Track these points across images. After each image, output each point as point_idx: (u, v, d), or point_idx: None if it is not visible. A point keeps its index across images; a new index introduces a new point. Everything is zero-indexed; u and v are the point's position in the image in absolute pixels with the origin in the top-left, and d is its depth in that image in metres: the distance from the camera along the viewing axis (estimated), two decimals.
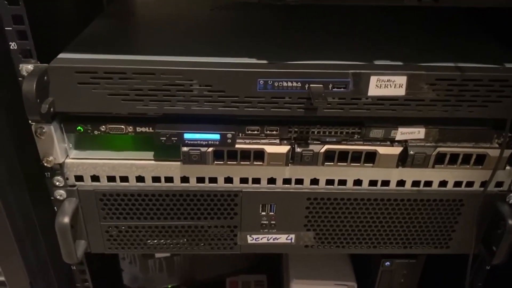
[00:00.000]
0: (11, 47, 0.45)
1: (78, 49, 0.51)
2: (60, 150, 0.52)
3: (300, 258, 0.82)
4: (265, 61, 0.49)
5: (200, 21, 0.62)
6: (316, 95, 0.47)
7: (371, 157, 0.54)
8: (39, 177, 0.58)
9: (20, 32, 0.45)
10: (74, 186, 0.55)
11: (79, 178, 0.55)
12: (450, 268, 0.76)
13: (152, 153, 0.55)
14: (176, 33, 0.59)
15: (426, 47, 0.55)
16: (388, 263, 0.73)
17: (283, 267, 0.88)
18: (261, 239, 0.60)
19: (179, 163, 0.54)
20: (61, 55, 0.49)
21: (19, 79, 0.47)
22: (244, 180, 0.56)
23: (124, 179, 0.55)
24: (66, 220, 0.53)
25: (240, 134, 0.53)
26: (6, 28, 0.44)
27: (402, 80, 0.48)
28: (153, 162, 0.54)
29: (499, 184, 0.57)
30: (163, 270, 0.91)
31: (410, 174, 0.56)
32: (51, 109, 0.47)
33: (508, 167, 0.55)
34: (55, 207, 0.56)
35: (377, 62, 0.50)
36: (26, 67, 0.46)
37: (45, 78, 0.46)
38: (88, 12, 0.62)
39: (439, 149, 0.53)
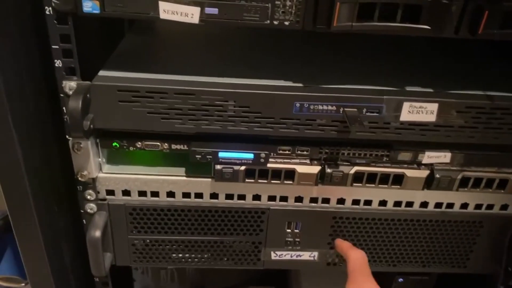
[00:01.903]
0: (56, 65, 0.46)
1: (116, 66, 0.52)
2: (95, 165, 0.53)
3: (312, 271, 0.83)
4: (300, 84, 0.51)
5: (233, 42, 0.63)
6: (352, 119, 0.48)
7: (398, 179, 0.55)
8: (65, 189, 0.59)
9: (66, 50, 0.46)
10: (105, 200, 0.56)
11: (110, 192, 0.55)
12: (459, 285, 0.77)
13: (183, 169, 0.56)
14: (209, 53, 0.60)
15: (455, 75, 0.57)
16: (401, 279, 0.74)
17: (292, 280, 0.89)
18: (285, 255, 0.61)
19: (210, 179, 0.55)
20: (101, 73, 0.50)
21: (61, 95, 0.48)
22: (271, 198, 0.57)
23: (155, 194, 0.56)
24: (98, 234, 0.53)
25: (272, 154, 0.54)
26: (53, 47, 0.45)
27: (433, 107, 0.50)
28: (184, 178, 0.55)
29: None
30: (175, 280, 0.91)
31: (433, 196, 0.57)
32: (91, 125, 0.48)
33: None
34: (84, 220, 0.57)
35: (408, 88, 0.52)
36: (69, 84, 0.47)
37: (88, 95, 0.47)
38: (111, 33, 0.62)
39: (464, 173, 0.55)
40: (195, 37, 0.64)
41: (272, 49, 0.61)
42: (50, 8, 0.43)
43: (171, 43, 0.63)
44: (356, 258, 0.53)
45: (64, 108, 0.48)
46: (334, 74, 0.53)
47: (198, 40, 0.63)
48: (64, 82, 0.47)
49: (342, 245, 0.57)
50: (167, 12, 0.43)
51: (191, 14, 0.43)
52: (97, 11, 0.43)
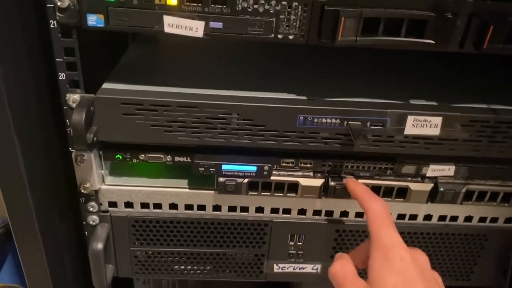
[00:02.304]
0: (59, 78, 0.46)
1: (120, 79, 0.52)
2: (97, 177, 0.52)
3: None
4: (304, 97, 0.50)
5: (236, 54, 0.63)
6: (356, 132, 0.48)
7: (402, 192, 0.55)
8: (67, 200, 0.59)
9: (70, 63, 0.46)
10: (107, 212, 0.55)
11: (112, 204, 0.55)
12: None
13: (186, 181, 0.55)
14: (213, 65, 0.60)
15: (460, 88, 0.56)
16: None
17: None
18: (287, 268, 0.61)
19: (212, 192, 0.55)
20: (105, 85, 0.50)
21: (65, 108, 0.48)
22: (274, 210, 0.57)
23: (157, 206, 0.56)
24: (100, 246, 0.53)
25: (275, 166, 0.54)
26: (57, 59, 0.45)
27: (437, 120, 0.50)
28: (187, 190, 0.55)
29: None
30: None
31: (437, 209, 0.57)
32: (95, 138, 0.48)
33: None
34: (86, 232, 0.57)
35: (413, 102, 0.51)
36: (73, 97, 0.47)
37: (91, 108, 0.47)
38: (115, 44, 0.62)
39: (468, 186, 0.55)
40: (199, 49, 0.64)
41: (276, 61, 0.61)
42: (55, 22, 0.43)
43: (175, 55, 0.63)
44: (376, 211, 0.45)
45: (67, 120, 0.48)
46: (338, 87, 0.53)
47: (202, 51, 0.63)
48: (68, 95, 0.47)
49: (357, 190, 0.48)
50: (172, 26, 0.43)
51: (196, 28, 0.43)
52: (101, 25, 0.43)
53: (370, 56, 0.63)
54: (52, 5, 0.42)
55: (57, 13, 0.42)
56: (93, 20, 0.43)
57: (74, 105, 0.47)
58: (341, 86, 0.54)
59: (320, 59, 0.62)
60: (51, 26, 0.43)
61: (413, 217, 0.58)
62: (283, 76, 0.56)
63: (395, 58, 0.63)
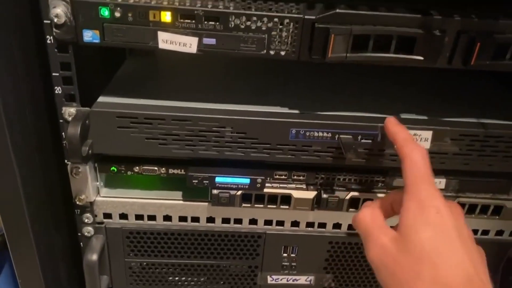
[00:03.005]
0: (56, 92, 0.47)
1: (115, 92, 0.52)
2: (93, 189, 0.53)
3: None
4: (297, 111, 0.51)
5: (231, 68, 0.64)
6: (347, 146, 0.49)
7: None
8: (63, 211, 0.60)
9: (66, 78, 0.46)
10: (102, 223, 0.56)
11: (107, 215, 0.56)
12: None
13: (180, 193, 0.56)
14: (207, 78, 0.61)
15: (449, 102, 0.57)
16: None
17: None
18: (281, 279, 0.61)
19: (206, 204, 0.55)
20: (100, 99, 0.51)
21: (60, 121, 0.49)
22: (268, 222, 0.57)
23: (152, 217, 0.56)
24: (95, 257, 0.54)
25: (268, 178, 0.54)
26: (53, 74, 0.46)
27: (427, 134, 0.50)
28: (181, 202, 0.56)
29: None
30: None
31: None
32: (90, 151, 0.49)
33: None
34: (81, 243, 0.57)
35: (403, 116, 0.52)
36: (69, 111, 0.48)
37: (87, 121, 0.48)
38: (116, 53, 0.63)
39: (458, 199, 0.55)
40: (194, 62, 0.65)
41: (269, 76, 0.62)
42: (51, 37, 0.44)
43: (171, 68, 0.64)
44: (415, 161, 0.41)
45: (63, 133, 0.49)
46: (330, 101, 0.54)
47: (197, 65, 0.64)
48: (64, 108, 0.48)
49: (397, 135, 0.44)
50: (166, 42, 0.44)
51: (189, 44, 0.44)
52: (97, 41, 0.44)
53: (361, 71, 0.64)
54: (49, 21, 0.43)
55: (54, 29, 0.43)
56: (89, 36, 0.43)
57: (70, 119, 0.48)
58: (332, 100, 0.55)
59: (312, 74, 0.63)
60: (48, 41, 0.44)
61: None
62: (275, 90, 0.57)
63: (385, 72, 0.64)
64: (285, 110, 0.52)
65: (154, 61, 0.66)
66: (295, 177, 0.55)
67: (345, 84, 0.61)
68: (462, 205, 0.56)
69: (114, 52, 0.62)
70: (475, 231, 0.59)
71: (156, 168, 0.53)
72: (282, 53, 0.45)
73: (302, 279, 0.61)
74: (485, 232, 0.59)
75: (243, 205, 0.55)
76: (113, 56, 0.62)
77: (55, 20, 0.42)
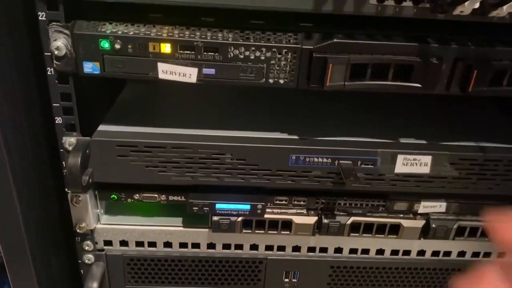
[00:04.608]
0: (56, 122, 0.47)
1: (115, 120, 0.53)
2: (93, 216, 0.53)
3: None
4: (296, 137, 0.51)
5: (231, 95, 0.64)
6: (347, 173, 0.49)
7: (395, 229, 0.55)
8: (63, 238, 0.60)
9: (66, 108, 0.47)
10: (103, 250, 0.56)
11: (108, 242, 0.56)
12: None
13: (181, 219, 0.56)
14: (207, 105, 0.61)
15: (448, 126, 0.57)
16: None
17: None
18: None
19: (207, 230, 0.55)
20: (101, 127, 0.51)
21: (61, 150, 0.49)
22: (269, 247, 0.57)
23: (152, 244, 0.56)
24: (95, 285, 0.53)
25: (269, 204, 0.54)
26: (54, 104, 0.46)
27: (427, 159, 0.51)
28: (181, 228, 0.55)
29: None
30: None
31: (430, 245, 0.57)
32: (90, 180, 0.49)
33: None
34: (82, 270, 0.57)
35: (402, 140, 0.52)
36: (69, 140, 0.48)
37: (87, 151, 0.48)
38: (114, 83, 0.64)
39: (459, 222, 0.55)
40: (194, 89, 0.65)
41: (269, 102, 0.62)
42: (52, 69, 0.44)
43: (170, 95, 0.64)
44: None
45: (64, 163, 0.49)
46: (329, 126, 0.54)
47: (197, 91, 0.64)
48: (64, 138, 0.48)
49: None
50: (166, 72, 0.44)
51: (189, 75, 0.44)
52: (97, 72, 0.44)
53: (360, 96, 0.64)
54: (50, 54, 0.43)
55: (54, 61, 0.44)
56: (89, 67, 0.44)
57: (70, 148, 0.48)
58: (332, 125, 0.55)
59: (311, 100, 0.63)
60: (48, 73, 0.45)
61: (407, 252, 0.58)
62: (275, 116, 0.57)
63: (384, 98, 0.64)
64: (285, 136, 0.52)
65: (154, 87, 0.66)
66: (295, 202, 0.55)
67: (344, 110, 0.61)
68: (463, 228, 0.56)
69: (114, 80, 0.63)
70: (476, 254, 0.59)
71: (156, 195, 0.53)
72: (281, 81, 0.45)
73: None
74: (487, 254, 0.59)
75: (244, 231, 0.54)
76: (113, 84, 0.62)
77: (56, 52, 0.43)
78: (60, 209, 0.56)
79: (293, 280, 0.59)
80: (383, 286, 0.60)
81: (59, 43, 0.42)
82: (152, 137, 0.49)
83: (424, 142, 0.52)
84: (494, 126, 0.59)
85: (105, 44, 0.43)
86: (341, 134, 0.53)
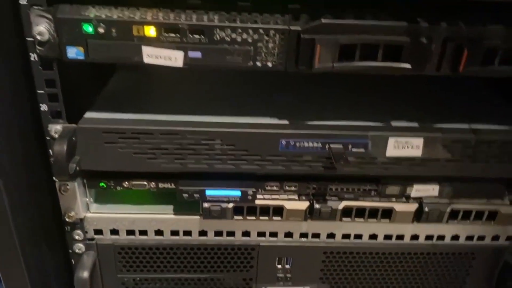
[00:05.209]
0: (41, 109, 0.46)
1: (102, 107, 0.52)
2: (82, 205, 0.52)
3: None
4: (286, 122, 0.51)
5: (220, 80, 0.64)
6: (337, 156, 0.48)
7: (387, 213, 0.55)
8: (55, 228, 0.59)
9: (51, 95, 0.46)
10: (93, 239, 0.55)
11: (98, 231, 0.55)
12: None
13: (172, 207, 0.55)
14: (196, 91, 0.60)
15: (440, 108, 0.57)
16: None
17: None
18: None
19: (198, 217, 0.55)
20: (87, 115, 0.50)
21: (47, 138, 0.48)
22: (261, 234, 0.57)
23: (143, 232, 0.56)
24: (86, 275, 0.53)
25: (260, 190, 0.54)
26: (38, 91, 0.45)
27: (419, 142, 0.50)
28: (172, 216, 0.55)
29: (509, 237, 0.58)
30: None
31: (424, 229, 0.57)
32: (77, 167, 0.48)
33: None
34: (73, 260, 0.56)
35: (394, 123, 0.52)
36: (55, 128, 0.47)
37: (73, 138, 0.47)
38: (104, 68, 0.63)
39: (453, 205, 0.55)
40: (183, 75, 0.64)
41: (257, 87, 0.61)
42: (35, 55, 0.43)
43: (159, 81, 0.63)
44: None
45: (50, 150, 0.48)
46: (319, 111, 0.54)
47: (186, 77, 0.64)
48: (50, 125, 0.47)
49: None
50: (151, 56, 0.43)
51: (175, 58, 0.43)
52: (81, 57, 0.43)
53: (350, 79, 0.63)
54: (32, 39, 0.43)
55: (37, 47, 0.43)
56: (73, 52, 0.43)
57: (56, 136, 0.47)
58: (322, 109, 0.54)
59: (301, 84, 0.62)
60: (32, 59, 0.44)
61: (400, 237, 0.58)
62: (264, 101, 0.56)
63: (375, 80, 0.63)
64: (275, 121, 0.51)
65: (143, 74, 0.65)
66: (286, 188, 0.54)
67: (334, 93, 0.60)
68: (456, 211, 0.55)
69: (102, 66, 0.62)
70: (470, 237, 0.58)
71: (145, 183, 0.52)
72: (269, 64, 0.44)
73: None
74: (481, 238, 0.58)
75: (235, 217, 0.54)
76: (102, 71, 0.61)
77: (38, 37, 0.42)
78: (51, 199, 0.56)
79: (286, 266, 0.58)
80: (377, 271, 0.59)
81: (42, 28, 0.42)
82: (140, 124, 0.49)
83: (415, 124, 0.52)
84: (487, 108, 0.59)
85: (89, 28, 0.42)
86: (332, 118, 0.52)
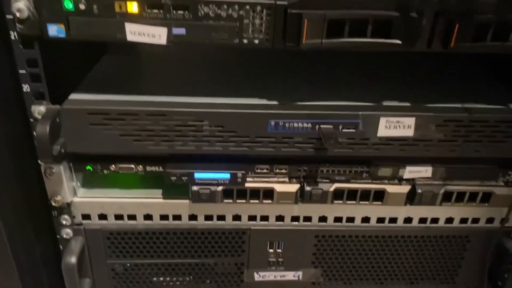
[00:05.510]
0: (24, 90, 0.45)
1: (88, 89, 0.51)
2: (68, 189, 0.52)
3: None
4: (275, 102, 0.50)
5: (208, 61, 0.63)
6: (327, 136, 0.47)
7: (379, 195, 0.54)
8: (44, 214, 0.58)
9: (33, 75, 0.45)
10: (81, 224, 0.54)
11: (86, 216, 0.54)
12: None
13: (161, 191, 0.55)
14: (184, 72, 0.59)
15: (433, 88, 0.56)
16: None
17: None
18: (268, 276, 0.60)
19: (187, 201, 0.54)
20: (72, 96, 0.49)
21: (31, 120, 0.47)
22: (252, 217, 0.56)
23: (132, 217, 0.55)
24: (73, 260, 0.52)
25: (250, 173, 0.53)
26: (20, 71, 0.44)
27: (410, 121, 0.49)
28: (161, 200, 0.54)
29: (504, 219, 0.58)
30: None
31: (417, 211, 0.56)
32: (62, 150, 0.47)
33: None
34: (61, 246, 0.56)
35: (385, 103, 0.51)
36: (39, 109, 0.46)
37: (57, 119, 0.46)
38: (93, 50, 0.62)
39: (446, 187, 0.54)
40: (173, 56, 0.63)
41: (247, 67, 0.60)
42: (15, 33, 0.42)
43: (148, 63, 0.62)
44: None
45: (34, 133, 0.47)
46: (310, 91, 0.53)
47: (176, 59, 0.63)
48: (33, 107, 0.46)
49: None
50: (134, 33, 0.42)
51: (158, 35, 0.42)
52: (63, 35, 0.42)
53: (340, 59, 0.63)
54: (12, 17, 0.41)
55: (17, 24, 0.42)
56: (54, 30, 0.42)
57: (39, 117, 0.46)
58: (312, 90, 0.53)
59: (290, 63, 0.61)
60: (12, 37, 0.43)
61: (393, 220, 0.57)
62: (253, 81, 0.56)
63: (365, 59, 0.62)
64: (263, 101, 0.50)
65: (133, 56, 0.64)
66: (277, 170, 0.53)
67: (324, 73, 0.59)
68: (450, 193, 0.54)
69: (91, 48, 0.61)
70: (464, 220, 0.57)
71: (133, 166, 0.51)
72: (256, 41, 0.43)
73: (290, 275, 0.59)
74: (476, 221, 0.58)
75: (225, 201, 0.53)
76: (91, 52, 0.60)
77: (18, 14, 0.41)
78: (39, 185, 0.55)
79: (278, 250, 0.58)
80: (370, 255, 0.59)
81: (21, 5, 0.40)
82: (126, 104, 0.48)
83: (407, 104, 0.51)
84: (480, 87, 0.58)
85: (69, 5, 0.41)
86: (322, 98, 0.51)
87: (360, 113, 0.48)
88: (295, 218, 0.56)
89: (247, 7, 0.42)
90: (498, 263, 0.60)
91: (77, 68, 0.58)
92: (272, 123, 0.49)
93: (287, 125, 0.49)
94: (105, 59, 0.61)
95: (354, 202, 0.54)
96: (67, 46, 0.53)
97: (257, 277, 0.59)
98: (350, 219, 0.56)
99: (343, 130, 0.49)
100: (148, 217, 0.55)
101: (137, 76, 0.58)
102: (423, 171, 0.53)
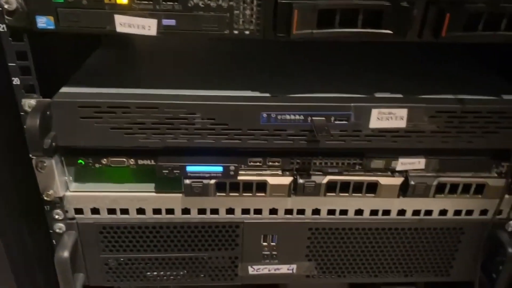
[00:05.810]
0: (14, 83, 0.45)
1: (79, 82, 0.51)
2: (61, 183, 0.51)
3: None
4: (267, 94, 0.50)
5: (201, 54, 0.63)
6: (319, 128, 0.47)
7: (372, 187, 0.54)
8: (37, 209, 0.58)
9: (23, 68, 0.45)
10: (74, 219, 0.54)
11: (78, 211, 0.54)
12: None
13: (153, 185, 0.54)
14: (176, 65, 0.59)
15: (425, 79, 0.56)
16: None
17: None
18: (262, 269, 0.59)
19: (180, 195, 0.54)
20: (63, 89, 0.49)
21: (21, 113, 0.47)
22: (245, 211, 0.56)
23: (125, 211, 0.55)
24: (66, 254, 0.52)
25: (242, 166, 0.53)
26: (9, 64, 0.44)
27: (403, 112, 0.49)
28: (154, 194, 0.54)
29: (498, 212, 0.57)
30: None
31: (410, 204, 0.56)
32: (53, 143, 0.47)
33: (507, 196, 0.56)
34: (54, 240, 0.55)
35: (378, 95, 0.51)
36: (29, 102, 0.46)
37: (48, 113, 0.46)
38: (86, 44, 0.61)
39: (439, 179, 0.54)
40: (165, 50, 0.63)
41: (239, 59, 0.60)
42: (4, 25, 0.42)
43: (140, 56, 0.62)
44: None
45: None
46: (302, 83, 0.53)
47: (168, 52, 0.63)
48: (23, 100, 0.46)
49: None
50: (124, 25, 0.42)
51: (148, 27, 0.42)
52: (52, 27, 0.42)
53: (334, 51, 0.62)
54: (0, 9, 0.41)
55: (6, 16, 0.41)
56: (43, 22, 0.42)
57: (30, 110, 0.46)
58: (303, 81, 0.53)
59: (282, 55, 0.61)
60: (1, 29, 0.42)
61: (387, 212, 0.57)
62: (245, 74, 0.55)
63: (356, 50, 0.62)
64: (255, 93, 0.50)
65: (125, 50, 0.64)
66: (270, 163, 0.53)
67: (316, 64, 0.59)
68: (443, 185, 0.54)
69: (85, 41, 0.60)
70: (458, 212, 0.57)
71: (124, 159, 0.51)
72: (247, 32, 0.43)
73: (284, 268, 0.59)
74: (469, 212, 0.58)
75: (218, 194, 0.53)
76: (84, 45, 0.60)
77: (6, 6, 0.40)
78: (32, 180, 0.54)
79: (272, 243, 0.57)
80: (364, 248, 0.59)
81: None
82: (116, 97, 0.47)
83: (399, 95, 0.51)
84: (472, 78, 0.57)
85: None
86: (313, 90, 0.51)
87: (352, 104, 0.48)
88: (288, 211, 0.56)
89: None
90: (492, 255, 0.59)
91: (69, 62, 0.57)
92: (264, 115, 0.48)
93: (279, 117, 0.49)
94: (98, 53, 0.61)
95: (347, 194, 0.54)
96: (59, 40, 0.53)
97: (251, 270, 0.59)
98: (344, 212, 0.56)
99: (335, 122, 0.49)
100: (141, 211, 0.55)
101: (129, 70, 0.57)
102: (416, 163, 0.53)
